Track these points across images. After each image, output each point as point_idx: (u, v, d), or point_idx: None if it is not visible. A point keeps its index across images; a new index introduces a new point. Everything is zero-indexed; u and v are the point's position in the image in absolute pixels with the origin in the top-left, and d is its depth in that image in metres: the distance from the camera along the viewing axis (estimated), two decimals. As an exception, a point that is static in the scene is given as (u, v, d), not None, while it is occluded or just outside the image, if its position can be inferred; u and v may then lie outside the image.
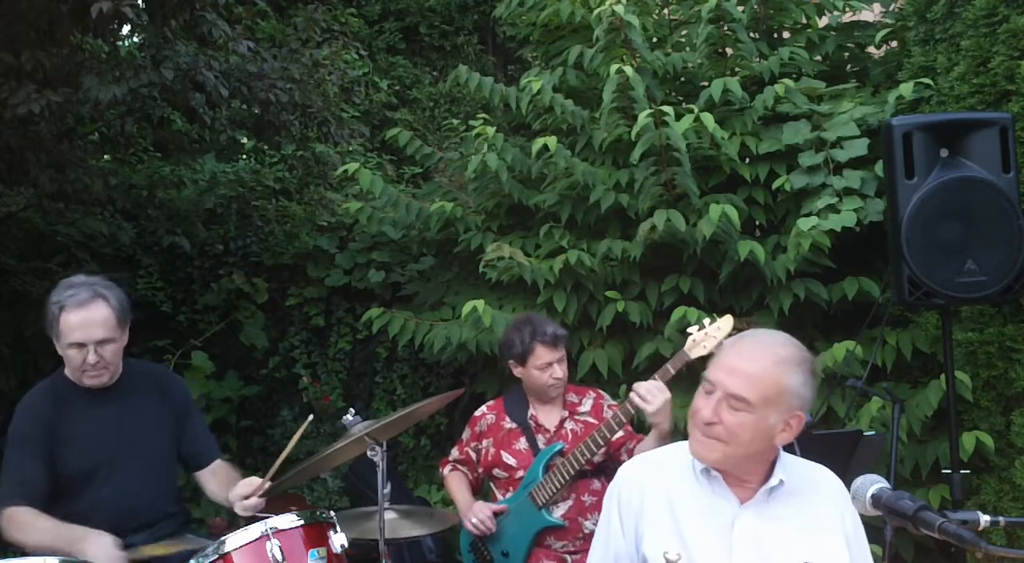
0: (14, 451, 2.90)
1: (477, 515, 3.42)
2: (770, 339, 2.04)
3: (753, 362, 1.96)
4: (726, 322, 3.12)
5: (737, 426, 1.94)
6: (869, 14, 5.06)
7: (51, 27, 4.32)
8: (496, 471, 3.51)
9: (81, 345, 2.88)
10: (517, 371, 3.47)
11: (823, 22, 4.82)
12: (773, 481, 2.02)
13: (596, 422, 3.46)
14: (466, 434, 3.61)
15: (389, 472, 2.89)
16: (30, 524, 2.80)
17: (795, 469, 2.08)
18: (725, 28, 4.34)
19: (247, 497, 2.91)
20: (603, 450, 3.26)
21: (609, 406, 3.52)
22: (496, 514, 3.43)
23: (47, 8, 4.11)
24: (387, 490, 2.88)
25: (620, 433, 3.24)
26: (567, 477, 3.30)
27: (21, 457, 2.89)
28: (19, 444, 2.90)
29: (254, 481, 2.95)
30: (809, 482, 2.08)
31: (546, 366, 3.38)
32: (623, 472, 2.17)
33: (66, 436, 2.93)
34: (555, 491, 3.33)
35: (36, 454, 2.89)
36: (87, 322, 2.88)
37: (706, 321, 3.13)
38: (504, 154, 4.53)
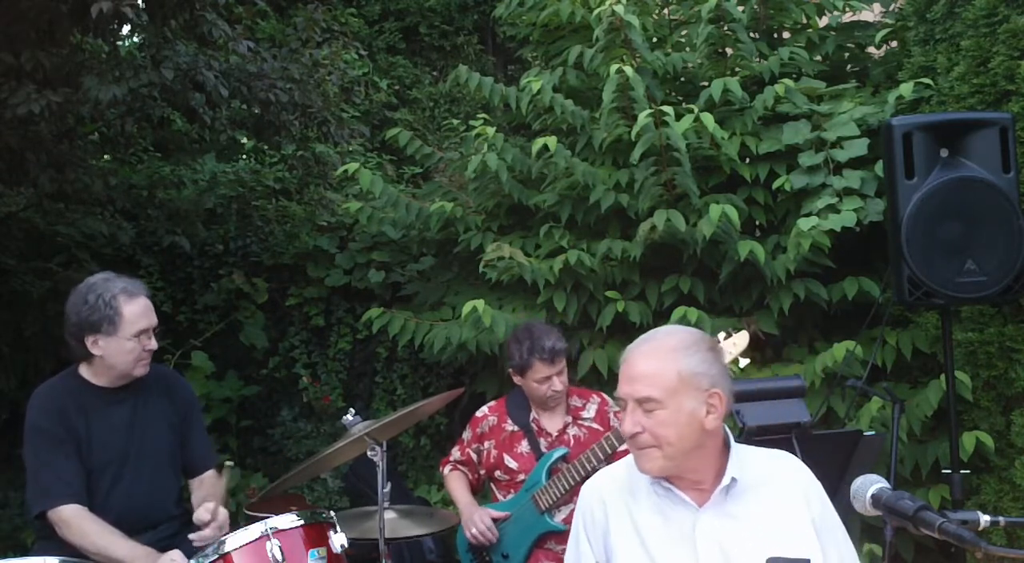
0: (45, 449, 2.88)
1: (478, 525, 3.40)
2: (655, 335, 2.09)
3: (646, 361, 2.01)
4: (742, 338, 3.08)
5: (658, 426, 1.96)
6: (869, 14, 5.06)
7: (51, 27, 4.31)
8: (497, 473, 3.51)
9: (144, 332, 2.91)
10: (517, 380, 3.48)
11: (823, 22, 4.81)
12: (725, 480, 2.01)
13: (600, 428, 3.45)
14: (467, 435, 3.61)
15: (389, 472, 2.89)
16: (90, 530, 2.79)
17: (751, 461, 2.07)
18: (725, 28, 4.34)
19: (203, 524, 2.85)
20: (609, 458, 3.25)
21: (615, 413, 3.51)
22: (496, 520, 3.43)
23: (47, 8, 4.10)
24: (387, 490, 2.88)
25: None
26: (571, 483, 3.30)
27: (56, 455, 2.87)
28: (50, 443, 2.88)
29: (212, 510, 2.86)
30: (768, 472, 2.07)
31: (544, 379, 3.39)
32: (585, 490, 2.18)
33: (82, 435, 2.92)
34: (559, 496, 3.33)
35: (71, 453, 2.89)
36: (148, 308, 2.94)
37: (721, 335, 3.06)
38: (504, 154, 4.52)
